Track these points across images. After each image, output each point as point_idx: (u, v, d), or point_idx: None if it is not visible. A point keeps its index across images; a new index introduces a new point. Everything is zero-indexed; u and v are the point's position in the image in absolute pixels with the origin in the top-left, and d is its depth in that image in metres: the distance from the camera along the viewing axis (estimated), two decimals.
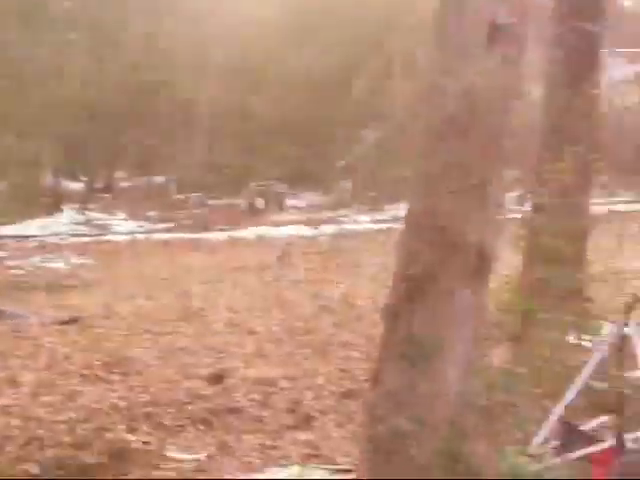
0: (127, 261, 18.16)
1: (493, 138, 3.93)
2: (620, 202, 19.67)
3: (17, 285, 14.03)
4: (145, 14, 31.83)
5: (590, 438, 4.48)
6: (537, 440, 4.39)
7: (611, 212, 18.20)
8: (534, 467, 3.18)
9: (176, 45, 30.68)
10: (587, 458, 4.29)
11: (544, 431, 4.44)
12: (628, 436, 4.27)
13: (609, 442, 4.26)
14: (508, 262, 6.53)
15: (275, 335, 9.05)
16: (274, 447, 5.43)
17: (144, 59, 31.15)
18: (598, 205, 18.60)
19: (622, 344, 4.40)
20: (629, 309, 4.50)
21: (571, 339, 6.39)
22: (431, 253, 3.82)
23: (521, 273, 6.62)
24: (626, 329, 4.48)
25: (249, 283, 13.69)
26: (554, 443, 4.59)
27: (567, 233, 7.77)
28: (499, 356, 5.59)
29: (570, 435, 4.50)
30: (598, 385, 5.29)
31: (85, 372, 7.17)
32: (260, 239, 22.52)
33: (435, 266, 3.84)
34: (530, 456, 4.30)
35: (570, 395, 4.51)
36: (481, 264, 3.87)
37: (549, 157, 7.71)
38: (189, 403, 6.28)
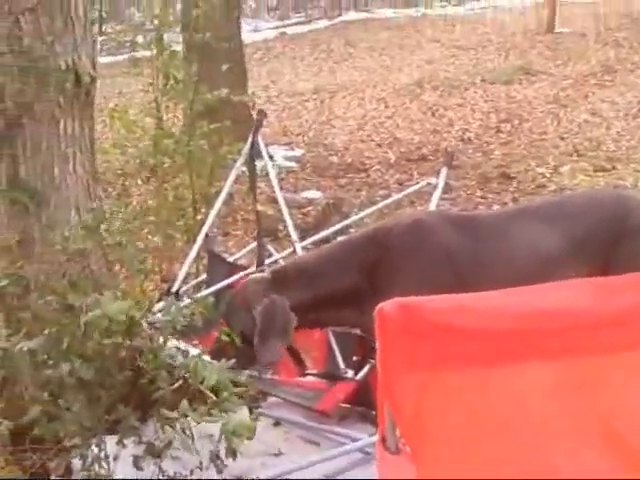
0: None
1: None
2: (291, 25, 19.62)
3: None
4: None
5: (236, 267, 4.26)
6: (180, 276, 4.09)
7: (283, 35, 18.13)
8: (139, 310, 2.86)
9: None
10: (232, 286, 4.06)
11: (187, 264, 4.15)
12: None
13: (252, 267, 4.05)
14: None
15: None
16: None
17: None
18: (269, 29, 18.51)
19: (253, 162, 4.14)
20: (258, 124, 4.24)
21: None
22: (19, 81, 3.31)
23: None
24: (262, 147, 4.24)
25: None
26: (203, 277, 4.37)
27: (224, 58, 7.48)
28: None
29: (216, 266, 4.27)
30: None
31: None
32: None
33: (27, 96, 3.34)
34: (174, 295, 4.02)
35: (210, 221, 4.22)
36: (78, 90, 3.42)
37: None
38: None
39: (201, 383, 2.62)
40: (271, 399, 3.75)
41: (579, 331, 2.28)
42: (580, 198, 3.84)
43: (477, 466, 2.33)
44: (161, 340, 2.84)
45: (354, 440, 3.36)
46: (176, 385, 2.90)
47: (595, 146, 8.94)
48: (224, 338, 3.12)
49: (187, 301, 3.46)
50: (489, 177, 8.13)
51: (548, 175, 8.12)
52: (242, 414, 2.88)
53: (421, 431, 2.28)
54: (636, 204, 3.70)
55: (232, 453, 2.46)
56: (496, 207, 7.20)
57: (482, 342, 2.28)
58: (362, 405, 3.70)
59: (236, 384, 2.88)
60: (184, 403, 2.59)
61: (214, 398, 2.59)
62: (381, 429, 2.28)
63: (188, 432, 2.80)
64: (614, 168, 8.14)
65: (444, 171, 4.15)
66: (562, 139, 9.33)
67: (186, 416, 2.61)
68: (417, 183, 4.68)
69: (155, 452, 3.15)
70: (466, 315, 2.29)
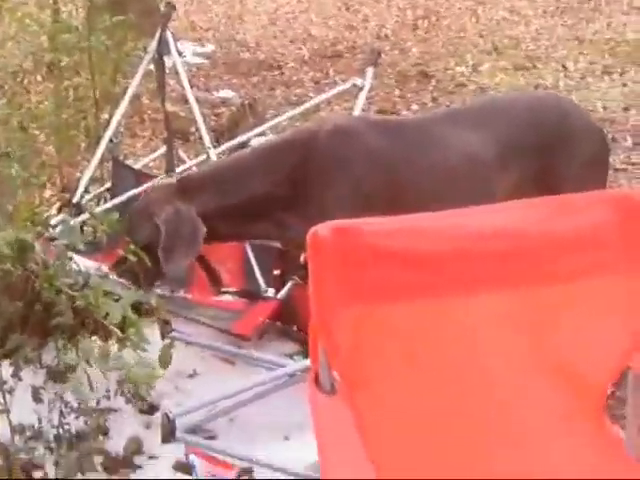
0: None
1: None
2: None
3: None
4: None
5: (143, 175, 3.92)
6: (81, 186, 3.73)
7: None
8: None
9: None
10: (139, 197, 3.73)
11: (89, 172, 3.80)
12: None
13: (161, 176, 3.72)
14: None
15: None
16: None
17: None
18: None
19: (161, 60, 3.78)
20: (167, 18, 3.87)
21: None
22: None
23: None
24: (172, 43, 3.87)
25: None
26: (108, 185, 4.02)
27: None
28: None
29: (121, 174, 3.92)
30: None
31: None
32: None
33: None
34: (75, 207, 3.68)
35: (114, 124, 3.86)
36: None
37: None
38: None
39: (105, 318, 2.31)
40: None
41: (536, 255, 2.02)
42: (513, 100, 3.61)
43: (418, 406, 2.09)
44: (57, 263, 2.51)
45: (275, 364, 3.11)
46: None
47: (514, 44, 8.71)
48: (130, 257, 2.78)
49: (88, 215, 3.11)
50: (407, 76, 7.84)
51: (467, 74, 7.87)
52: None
53: (358, 370, 2.02)
54: (572, 107, 3.50)
55: (140, 399, 2.18)
56: (415, 107, 6.95)
57: (427, 269, 2.01)
58: (284, 323, 3.46)
59: (146, 311, 2.60)
60: (87, 343, 2.28)
61: (120, 334, 2.29)
62: (314, 368, 2.02)
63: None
64: (534, 67, 7.93)
65: (370, 71, 3.84)
66: (481, 37, 9.06)
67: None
68: (335, 83, 4.38)
69: (56, 377, 2.85)
70: (410, 237, 2.01)
